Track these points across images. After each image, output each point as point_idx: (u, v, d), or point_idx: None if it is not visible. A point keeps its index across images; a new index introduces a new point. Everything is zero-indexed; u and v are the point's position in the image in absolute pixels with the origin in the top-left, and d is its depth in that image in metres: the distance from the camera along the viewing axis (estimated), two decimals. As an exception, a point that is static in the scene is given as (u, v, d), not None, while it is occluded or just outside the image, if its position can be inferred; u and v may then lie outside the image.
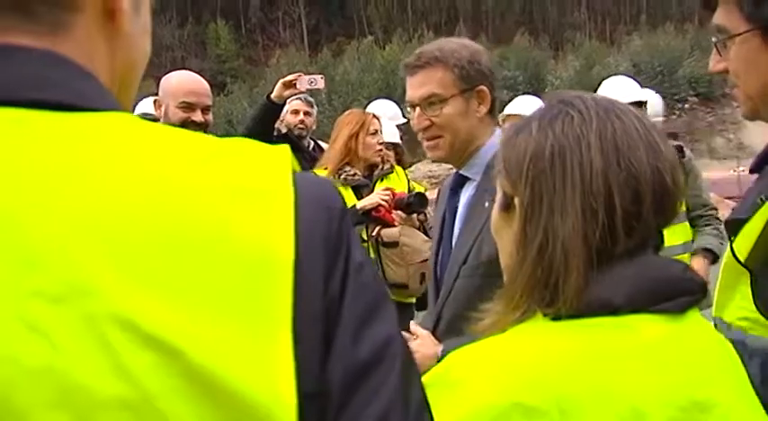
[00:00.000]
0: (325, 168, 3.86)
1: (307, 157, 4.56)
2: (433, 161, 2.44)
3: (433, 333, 2.17)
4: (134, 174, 0.63)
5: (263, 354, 0.60)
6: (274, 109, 4.09)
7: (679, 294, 1.03)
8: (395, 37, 70.23)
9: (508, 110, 5.13)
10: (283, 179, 0.67)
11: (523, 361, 0.97)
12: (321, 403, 0.64)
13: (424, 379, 0.92)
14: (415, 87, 2.15)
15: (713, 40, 1.40)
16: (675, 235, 4.06)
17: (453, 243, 2.21)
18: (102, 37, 0.71)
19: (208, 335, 0.59)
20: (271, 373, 0.60)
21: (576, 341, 0.99)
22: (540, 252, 1.03)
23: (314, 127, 4.94)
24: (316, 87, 4.04)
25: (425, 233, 3.78)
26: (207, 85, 3.24)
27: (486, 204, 2.05)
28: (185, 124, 3.00)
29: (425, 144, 2.20)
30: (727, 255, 1.39)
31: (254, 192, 0.65)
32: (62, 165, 0.61)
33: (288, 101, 4.51)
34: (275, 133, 4.39)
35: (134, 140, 0.66)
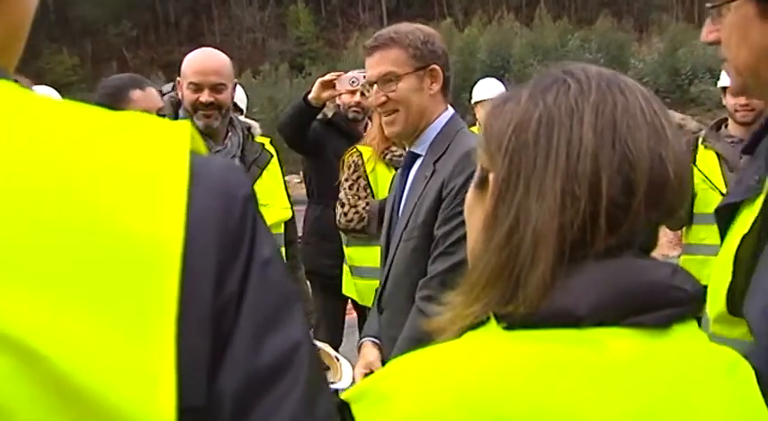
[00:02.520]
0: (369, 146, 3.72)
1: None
2: (391, 139, 2.75)
3: (380, 300, 2.38)
4: (1, 150, 0.56)
5: (140, 362, 0.53)
6: (310, 112, 3.74)
7: (661, 305, 0.87)
8: (474, 19, 69.39)
9: (476, 96, 4.99)
10: (178, 160, 0.60)
11: (461, 378, 0.83)
12: (211, 417, 0.58)
13: (353, 391, 0.86)
14: (373, 66, 2.39)
15: (707, 5, 1.30)
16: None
17: (399, 217, 2.41)
18: None
19: (75, 339, 0.52)
20: (147, 384, 0.53)
21: (526, 357, 0.84)
22: (508, 236, 0.89)
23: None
24: (357, 87, 3.73)
25: None
26: (219, 62, 3.02)
27: (426, 175, 2.29)
28: (195, 106, 2.92)
29: (383, 120, 2.40)
30: (724, 246, 1.27)
31: (142, 173, 0.58)
32: None
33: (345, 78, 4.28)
34: (321, 117, 4.11)
35: (11, 113, 0.58)
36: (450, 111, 2.45)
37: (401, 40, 2.35)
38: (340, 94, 3.81)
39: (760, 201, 1.22)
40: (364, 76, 3.54)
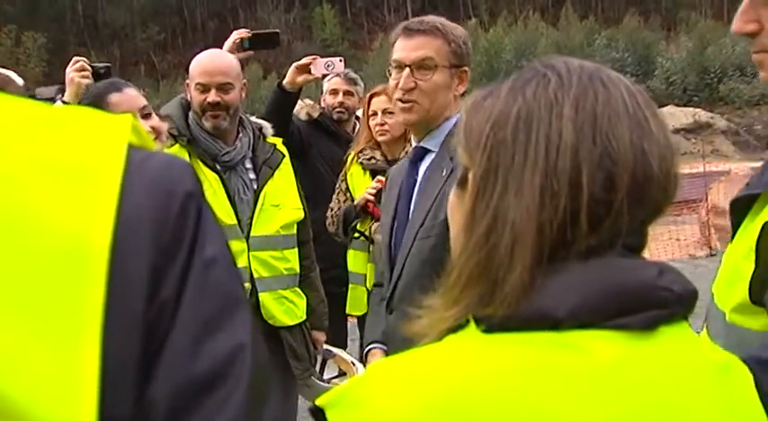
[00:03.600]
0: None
1: (345, 146, 3.92)
2: (405, 124, 2.57)
3: (389, 300, 2.27)
4: None
5: (61, 370, 0.50)
6: (286, 97, 3.60)
7: (646, 307, 0.83)
8: (500, 19, 69.27)
9: None
10: (113, 155, 0.57)
11: (437, 383, 0.80)
12: None
13: (328, 396, 0.84)
14: (411, 49, 2.25)
15: None
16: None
17: (410, 214, 2.30)
18: None
19: None
20: (68, 393, 0.50)
21: (504, 361, 0.81)
22: (485, 235, 0.86)
23: (359, 108, 4.02)
24: (333, 71, 3.57)
25: None
26: (225, 63, 2.97)
27: (444, 172, 2.18)
28: (203, 107, 2.89)
29: (400, 105, 2.30)
30: (740, 235, 1.22)
31: (75, 169, 0.55)
32: None
33: (326, 79, 4.10)
34: (305, 118, 4.00)
35: None
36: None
37: (447, 33, 2.25)
38: (315, 79, 3.57)
39: None
40: (341, 60, 3.48)
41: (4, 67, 3.15)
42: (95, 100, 2.66)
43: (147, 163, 0.59)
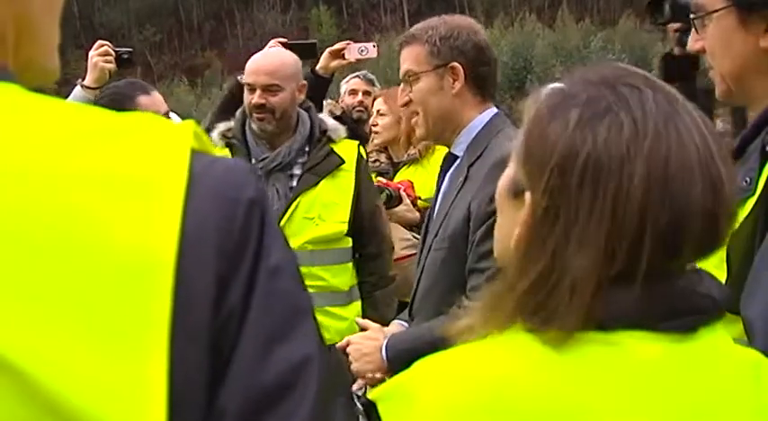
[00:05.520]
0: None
1: (363, 144, 4.04)
2: (421, 139, 2.51)
3: (411, 308, 2.23)
4: None
5: (129, 380, 0.51)
6: (320, 82, 3.48)
7: (688, 312, 0.86)
8: (496, 21, 69.26)
9: None
10: (177, 164, 0.56)
11: (486, 378, 0.83)
12: None
13: (379, 390, 0.86)
14: (401, 64, 2.22)
15: (691, 16, 1.34)
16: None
17: (431, 223, 2.26)
18: None
19: (61, 356, 0.50)
20: (136, 403, 0.51)
21: (551, 358, 0.83)
22: (541, 277, 0.85)
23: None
24: (367, 56, 3.53)
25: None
26: (274, 63, 2.83)
27: (460, 180, 2.11)
28: (250, 108, 2.80)
29: (412, 121, 2.27)
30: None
31: (138, 179, 0.55)
32: None
33: (344, 81, 4.20)
34: (328, 114, 3.96)
35: (5, 116, 0.56)
36: (493, 110, 2.20)
37: (421, 36, 2.16)
38: (348, 63, 3.56)
39: (751, 202, 1.23)
40: (374, 46, 3.53)
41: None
42: (122, 99, 2.61)
43: (210, 170, 0.58)
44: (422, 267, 2.19)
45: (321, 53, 3.51)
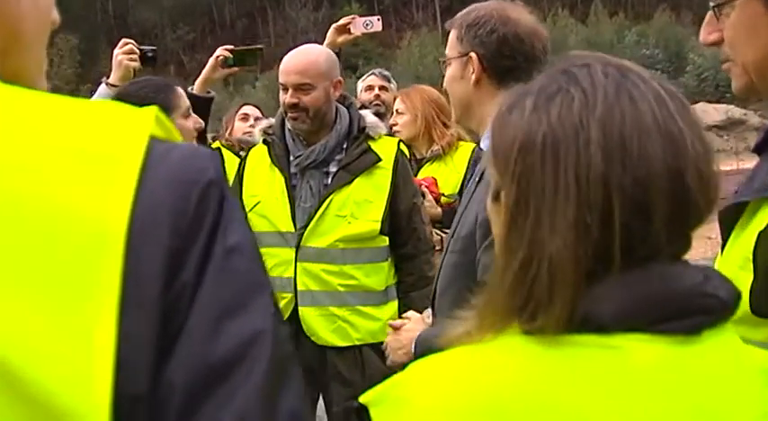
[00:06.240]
0: None
1: None
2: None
3: (432, 307, 2.18)
4: None
5: (76, 346, 0.52)
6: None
7: (690, 313, 0.83)
8: (529, 16, 68.82)
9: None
10: (134, 145, 0.58)
11: (480, 382, 0.81)
12: (156, 407, 0.55)
13: (372, 394, 0.85)
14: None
15: (711, 4, 1.27)
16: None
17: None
18: None
19: (12, 325, 0.52)
20: (82, 369, 0.52)
21: (547, 361, 0.82)
22: (522, 268, 0.85)
23: (394, 104, 4.12)
24: (373, 30, 3.44)
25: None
26: (305, 61, 2.79)
27: (476, 180, 2.06)
28: (285, 107, 2.77)
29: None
30: (731, 245, 1.22)
31: (96, 156, 0.57)
32: None
33: (361, 79, 4.22)
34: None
35: None
36: None
37: (454, 23, 2.11)
38: (355, 38, 3.46)
39: None
40: (378, 19, 3.43)
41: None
42: (162, 90, 2.55)
43: (170, 154, 0.60)
44: (440, 266, 2.17)
45: (262, 58, 3.42)
